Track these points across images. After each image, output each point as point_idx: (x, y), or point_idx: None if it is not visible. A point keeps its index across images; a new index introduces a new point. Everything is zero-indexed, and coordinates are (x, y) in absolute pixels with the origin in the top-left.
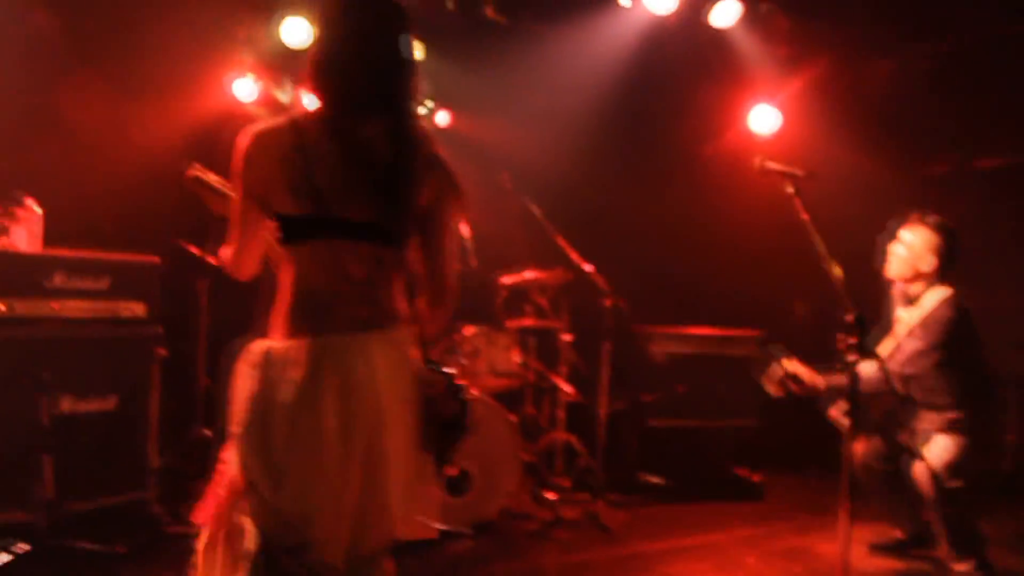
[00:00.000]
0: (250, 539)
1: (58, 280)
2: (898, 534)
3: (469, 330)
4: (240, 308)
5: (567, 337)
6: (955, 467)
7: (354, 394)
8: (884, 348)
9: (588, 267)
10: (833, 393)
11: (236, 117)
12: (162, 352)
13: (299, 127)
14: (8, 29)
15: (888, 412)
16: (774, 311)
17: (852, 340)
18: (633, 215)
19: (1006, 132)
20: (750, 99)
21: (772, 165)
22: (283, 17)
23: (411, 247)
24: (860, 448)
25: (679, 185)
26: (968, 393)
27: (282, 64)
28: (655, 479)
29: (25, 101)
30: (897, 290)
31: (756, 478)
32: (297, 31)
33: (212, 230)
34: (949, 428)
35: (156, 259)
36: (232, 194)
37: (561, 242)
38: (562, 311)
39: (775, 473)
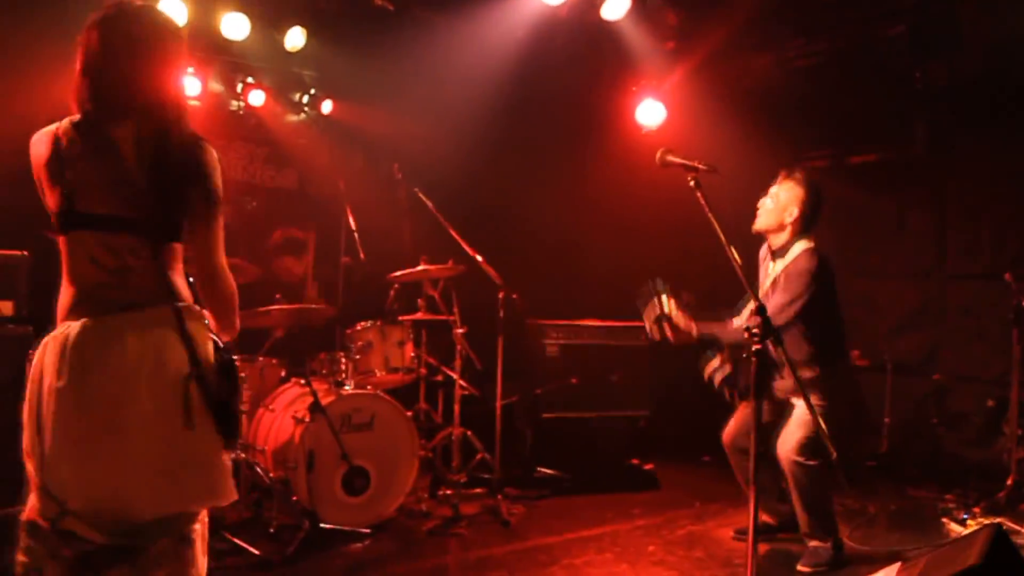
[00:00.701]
0: (27, 511)
1: None
2: (768, 519)
3: (361, 324)
4: None
5: (461, 330)
6: (811, 444)
7: (95, 371)
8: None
9: (479, 258)
10: (705, 342)
11: None
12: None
13: (60, 130)
14: None
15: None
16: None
17: (755, 328)
18: (524, 207)
19: (877, 129)
20: (638, 92)
21: (673, 158)
22: (222, 11)
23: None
24: (729, 431)
25: (569, 176)
26: (827, 351)
27: (221, 58)
28: (551, 472)
29: None
30: (764, 248)
31: (649, 467)
32: (237, 25)
33: None
34: (809, 386)
35: (23, 253)
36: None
37: (453, 233)
38: (454, 304)
39: (670, 462)
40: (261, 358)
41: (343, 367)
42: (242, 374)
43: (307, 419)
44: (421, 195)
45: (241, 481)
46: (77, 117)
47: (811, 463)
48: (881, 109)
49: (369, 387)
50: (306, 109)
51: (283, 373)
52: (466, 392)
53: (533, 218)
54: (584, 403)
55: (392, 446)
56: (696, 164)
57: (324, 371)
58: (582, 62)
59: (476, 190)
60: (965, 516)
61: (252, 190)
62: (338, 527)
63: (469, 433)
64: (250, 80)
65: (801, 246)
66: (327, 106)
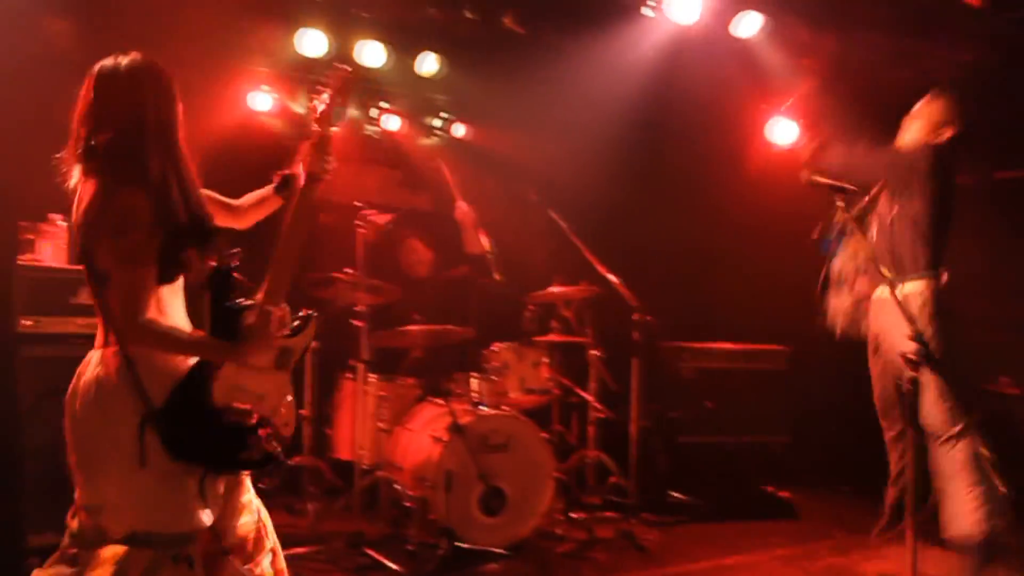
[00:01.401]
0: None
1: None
2: None
3: (498, 345)
4: None
5: (596, 352)
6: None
7: (68, 403)
8: None
9: (614, 280)
10: None
11: (252, 129)
12: None
13: None
14: (21, 39)
15: None
16: (800, 325)
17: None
18: (657, 229)
19: None
20: (769, 111)
21: (821, 179)
22: (299, 28)
23: None
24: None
25: (703, 197)
26: None
27: (298, 75)
28: (684, 497)
29: (40, 114)
30: None
31: (785, 494)
32: (313, 42)
33: None
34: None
35: None
36: None
37: (588, 255)
38: (589, 326)
39: (807, 490)
40: (399, 378)
41: (479, 387)
42: (381, 393)
43: (445, 439)
44: (555, 216)
45: (382, 498)
46: None
47: None
48: None
49: (505, 407)
50: (439, 133)
51: (419, 392)
52: (600, 415)
53: (666, 239)
54: (720, 427)
55: (528, 467)
56: (845, 185)
57: (460, 391)
58: (713, 81)
59: (609, 212)
60: None
61: (387, 212)
62: (474, 547)
63: (604, 456)
64: (384, 105)
65: None
66: (459, 129)
